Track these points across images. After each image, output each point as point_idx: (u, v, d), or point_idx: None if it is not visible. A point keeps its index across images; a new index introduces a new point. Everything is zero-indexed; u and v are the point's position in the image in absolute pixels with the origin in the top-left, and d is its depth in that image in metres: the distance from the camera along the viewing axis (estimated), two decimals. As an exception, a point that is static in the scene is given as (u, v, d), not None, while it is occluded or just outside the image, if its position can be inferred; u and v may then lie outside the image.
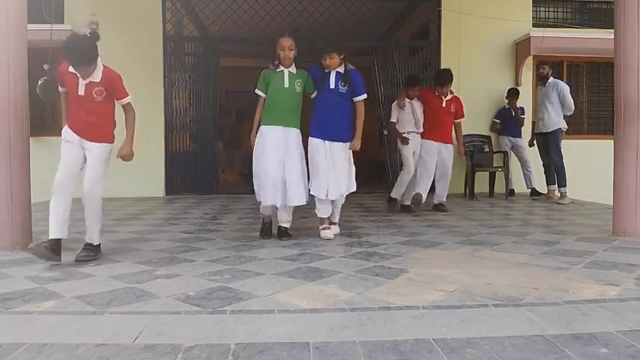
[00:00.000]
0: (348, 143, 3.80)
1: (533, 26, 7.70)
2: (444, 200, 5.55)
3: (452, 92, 5.61)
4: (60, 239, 2.98)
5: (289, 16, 7.92)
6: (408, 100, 5.45)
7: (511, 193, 7.20)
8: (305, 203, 3.75)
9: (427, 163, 5.42)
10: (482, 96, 7.64)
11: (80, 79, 3.04)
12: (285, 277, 2.63)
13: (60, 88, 3.23)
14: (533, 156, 7.03)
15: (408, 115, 5.44)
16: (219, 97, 7.82)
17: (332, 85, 3.75)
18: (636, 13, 3.68)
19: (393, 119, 5.54)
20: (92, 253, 3.10)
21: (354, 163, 3.93)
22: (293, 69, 3.74)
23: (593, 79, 8.08)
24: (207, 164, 7.64)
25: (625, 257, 3.08)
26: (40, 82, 3.70)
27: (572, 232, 4.06)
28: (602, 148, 6.66)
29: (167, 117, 7.41)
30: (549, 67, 6.77)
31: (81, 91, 3.05)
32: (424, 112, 5.53)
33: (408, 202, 5.47)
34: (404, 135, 5.43)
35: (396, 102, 5.54)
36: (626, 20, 3.73)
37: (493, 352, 1.63)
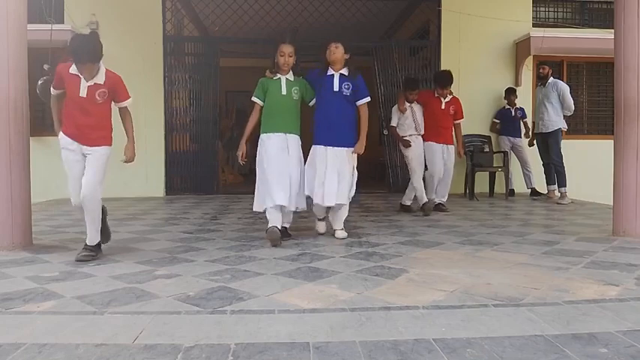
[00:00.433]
0: (351, 149, 3.76)
1: (533, 26, 7.70)
2: (444, 200, 5.55)
3: (451, 93, 5.61)
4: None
5: (289, 16, 7.92)
6: (407, 103, 5.44)
7: (511, 193, 7.20)
8: (300, 209, 3.77)
9: (434, 165, 5.41)
10: (482, 96, 7.65)
11: (82, 81, 3.03)
12: (285, 277, 2.63)
13: (53, 90, 3.20)
14: (533, 156, 7.03)
15: (408, 119, 5.42)
16: (219, 97, 7.82)
17: (336, 88, 3.72)
18: (636, 13, 3.68)
19: (394, 123, 5.51)
20: (92, 252, 3.10)
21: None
22: (290, 76, 3.75)
23: (593, 79, 8.08)
24: (207, 164, 7.64)
25: (625, 257, 3.08)
26: (40, 82, 3.71)
27: (573, 232, 4.06)
28: (602, 148, 6.67)
29: (167, 117, 7.41)
30: (549, 67, 6.77)
31: (82, 93, 3.04)
32: (425, 114, 5.52)
33: (409, 203, 5.47)
34: (405, 138, 5.41)
35: (396, 106, 5.53)
36: (626, 20, 3.73)
37: (493, 352, 1.63)
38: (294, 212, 3.80)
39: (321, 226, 3.96)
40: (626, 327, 1.85)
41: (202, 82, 7.62)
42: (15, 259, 3.09)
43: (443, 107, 5.48)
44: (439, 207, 5.48)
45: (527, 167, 7.20)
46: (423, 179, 5.45)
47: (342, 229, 3.85)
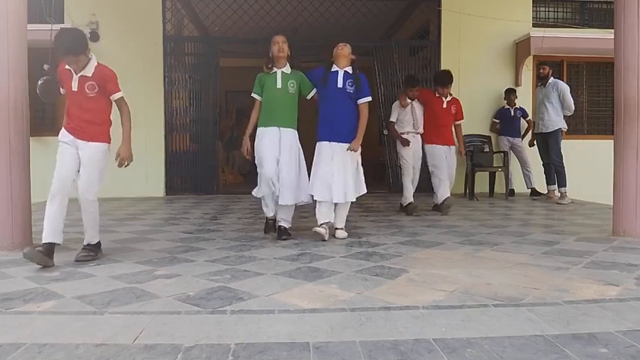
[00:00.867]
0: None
1: (533, 26, 7.70)
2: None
3: (451, 94, 5.60)
4: (54, 244, 2.97)
5: (289, 16, 7.92)
6: (409, 100, 5.44)
7: (511, 193, 7.20)
8: (297, 203, 3.77)
9: (439, 167, 5.38)
10: (482, 96, 7.65)
11: (74, 75, 3.05)
12: (285, 277, 2.63)
13: (62, 90, 3.24)
14: (533, 156, 7.03)
15: (408, 116, 5.42)
16: (219, 97, 7.82)
17: (340, 84, 3.75)
18: (636, 13, 3.68)
19: (392, 119, 5.51)
20: (92, 252, 3.10)
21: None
22: (287, 69, 3.76)
23: (593, 79, 8.08)
24: (207, 164, 7.64)
25: (625, 257, 3.08)
26: (40, 82, 3.70)
27: (573, 232, 4.06)
28: (602, 148, 6.67)
29: (167, 117, 7.41)
30: (549, 67, 6.77)
31: (74, 86, 3.06)
32: (426, 114, 5.51)
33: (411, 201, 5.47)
34: (402, 134, 5.40)
35: (397, 102, 5.53)
36: (626, 20, 3.73)
37: (493, 352, 1.63)
38: (300, 206, 3.82)
39: (325, 232, 3.70)
40: (626, 327, 1.85)
41: (202, 82, 7.61)
42: (15, 259, 3.09)
43: (444, 106, 5.47)
44: (440, 207, 5.46)
45: (527, 167, 7.20)
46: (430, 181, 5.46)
47: (343, 229, 3.86)
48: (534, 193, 7.11)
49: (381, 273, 2.69)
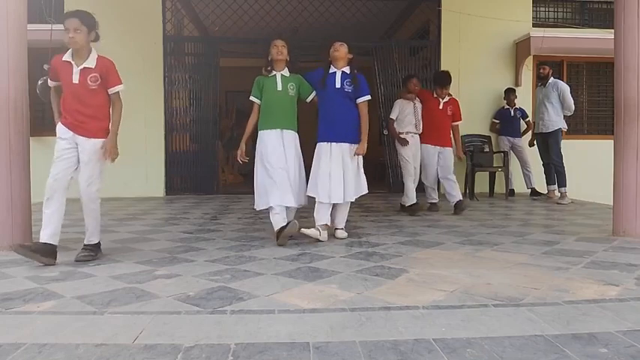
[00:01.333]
0: (355, 145, 3.77)
1: (533, 26, 7.70)
2: (461, 198, 5.39)
3: (450, 94, 5.60)
4: (53, 245, 2.96)
5: (289, 16, 7.92)
6: (412, 95, 5.43)
7: (511, 193, 7.20)
8: (300, 205, 3.76)
9: (427, 168, 5.43)
10: (482, 96, 7.65)
11: (74, 66, 3.02)
12: (285, 277, 2.63)
13: (50, 82, 3.22)
14: (533, 156, 7.03)
15: (409, 115, 5.39)
16: (219, 97, 7.82)
17: (338, 85, 3.75)
18: (636, 13, 3.68)
19: (393, 116, 5.45)
20: (92, 252, 3.09)
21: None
22: (286, 72, 3.76)
23: (593, 79, 8.08)
24: (207, 164, 7.64)
25: (625, 257, 3.08)
26: (40, 82, 3.70)
27: (573, 232, 4.06)
28: (602, 148, 6.67)
29: (167, 117, 7.41)
30: (549, 67, 6.77)
31: (75, 79, 3.02)
32: (423, 113, 5.50)
33: (409, 202, 5.46)
34: (402, 135, 5.40)
35: (399, 100, 5.50)
36: (626, 20, 3.73)
37: (493, 352, 1.63)
38: (300, 207, 3.79)
39: (323, 234, 3.69)
40: (626, 327, 1.85)
41: (202, 82, 7.62)
42: (15, 259, 3.09)
43: (441, 107, 5.46)
44: (458, 205, 5.36)
45: (527, 167, 7.20)
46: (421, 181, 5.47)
47: (343, 229, 3.86)
48: (534, 193, 7.11)
49: (381, 273, 2.69)
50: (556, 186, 6.55)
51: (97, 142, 3.07)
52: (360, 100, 3.80)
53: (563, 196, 6.38)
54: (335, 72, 3.78)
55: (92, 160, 3.05)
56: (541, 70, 6.71)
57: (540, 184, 6.98)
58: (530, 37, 7.33)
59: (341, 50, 3.75)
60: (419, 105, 5.46)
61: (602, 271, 2.73)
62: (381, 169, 8.97)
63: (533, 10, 7.87)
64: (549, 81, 6.56)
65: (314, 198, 3.75)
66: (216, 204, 6.36)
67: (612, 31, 3.89)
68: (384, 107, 7.65)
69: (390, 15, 8.83)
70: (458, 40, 7.63)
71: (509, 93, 7.38)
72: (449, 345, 1.68)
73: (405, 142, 5.33)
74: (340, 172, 3.70)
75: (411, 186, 5.32)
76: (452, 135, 5.63)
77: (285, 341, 1.72)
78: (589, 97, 8.06)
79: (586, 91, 8.04)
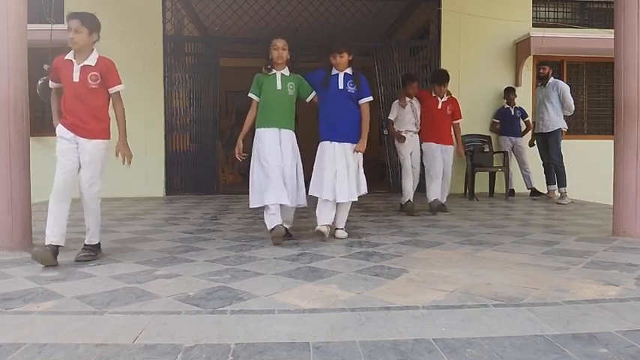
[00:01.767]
0: (355, 145, 3.79)
1: (533, 26, 7.70)
2: (445, 201, 5.52)
3: (449, 93, 5.59)
4: (57, 246, 2.96)
5: (289, 16, 7.92)
6: (408, 98, 5.44)
7: (511, 193, 7.20)
8: (299, 205, 3.76)
9: (433, 166, 5.36)
10: (482, 96, 7.65)
11: (75, 65, 3.02)
12: (285, 277, 2.63)
13: (51, 84, 3.22)
14: (533, 156, 7.03)
15: (409, 115, 5.42)
16: (219, 97, 7.82)
17: (341, 86, 3.75)
18: (636, 13, 3.68)
19: (391, 117, 5.51)
20: (92, 253, 3.09)
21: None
22: (286, 71, 3.76)
23: (593, 79, 8.08)
24: (207, 164, 7.64)
25: (625, 257, 3.08)
26: (40, 82, 3.70)
27: (572, 232, 4.06)
28: (602, 148, 6.67)
29: (167, 117, 7.41)
30: (549, 67, 6.77)
31: (75, 77, 3.02)
32: (422, 113, 5.51)
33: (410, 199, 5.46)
34: (402, 133, 5.41)
35: (397, 101, 5.54)
36: (626, 20, 3.73)
37: (493, 352, 1.63)
38: (300, 207, 3.79)
39: (327, 231, 3.72)
40: (626, 327, 1.85)
41: (202, 82, 7.62)
42: (15, 259, 3.09)
43: (439, 107, 5.45)
44: (440, 208, 5.46)
45: (525, 168, 7.20)
46: (423, 179, 5.46)
47: (343, 229, 3.86)
48: (534, 193, 7.11)
49: (381, 273, 2.69)
50: (556, 186, 6.55)
51: (98, 143, 3.07)
52: (362, 101, 3.80)
53: (563, 196, 6.38)
54: (337, 74, 3.78)
55: (94, 160, 3.05)
56: (541, 70, 6.71)
57: (540, 184, 6.98)
58: (530, 37, 7.34)
59: (341, 62, 3.74)
60: (417, 104, 5.47)
61: (602, 271, 2.73)
62: (381, 169, 8.97)
63: (533, 10, 7.87)
64: (549, 81, 6.56)
65: (314, 198, 3.75)
66: (216, 204, 6.36)
67: (612, 31, 3.89)
68: (384, 107, 7.65)
69: (390, 15, 8.83)
70: (458, 40, 7.63)
71: (509, 92, 7.39)
72: (449, 345, 1.68)
73: (402, 139, 5.35)
74: (344, 172, 3.71)
75: (407, 185, 5.34)
76: (453, 133, 5.63)
77: (285, 341, 1.72)
78: (589, 97, 8.06)
79: (586, 91, 8.04)
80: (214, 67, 7.63)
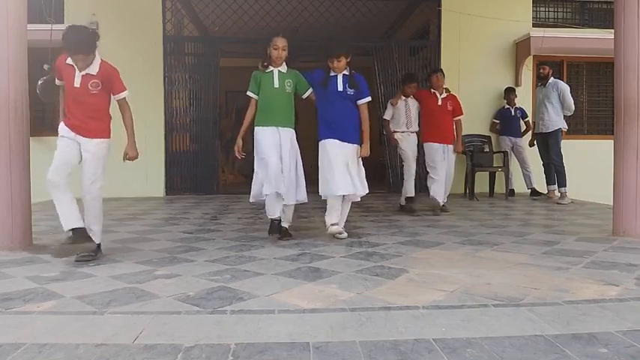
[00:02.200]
0: (356, 146, 3.79)
1: (533, 26, 7.70)
2: (445, 201, 5.51)
3: (448, 90, 5.58)
4: (79, 228, 2.99)
5: (289, 16, 7.92)
6: (403, 98, 5.44)
7: (511, 193, 7.20)
8: (298, 202, 3.76)
9: (436, 167, 5.34)
10: (482, 96, 7.65)
11: (77, 71, 3.04)
12: (285, 277, 2.63)
13: (57, 82, 3.23)
14: (534, 156, 7.03)
15: (402, 116, 5.42)
16: (219, 97, 7.82)
17: (340, 88, 3.75)
18: (636, 13, 3.68)
19: (387, 117, 5.53)
20: (92, 253, 3.09)
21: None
22: (283, 68, 3.76)
23: (593, 79, 8.08)
24: (207, 164, 7.64)
25: (625, 257, 3.08)
26: (40, 82, 3.70)
27: (573, 232, 4.06)
28: (602, 148, 6.67)
29: (167, 117, 7.42)
30: (549, 67, 6.77)
31: (77, 83, 3.05)
32: (422, 113, 5.51)
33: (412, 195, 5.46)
34: (397, 133, 5.41)
35: (390, 101, 5.56)
36: (626, 20, 3.73)
37: (493, 352, 1.63)
38: (299, 206, 3.80)
39: (337, 229, 3.75)
40: (626, 327, 1.85)
41: (202, 82, 7.62)
42: (15, 259, 3.09)
43: (440, 103, 5.43)
44: (441, 208, 5.44)
45: (526, 167, 7.20)
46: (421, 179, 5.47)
47: (343, 229, 3.86)
48: (534, 193, 7.10)
49: (381, 273, 2.69)
50: (556, 186, 6.55)
51: (100, 142, 3.10)
52: (361, 102, 3.80)
53: (563, 196, 6.38)
54: (336, 75, 3.78)
55: (95, 159, 3.08)
56: (541, 70, 6.71)
57: (540, 184, 6.98)
58: (530, 37, 7.34)
59: (339, 66, 3.74)
60: (412, 104, 5.45)
61: (602, 271, 2.73)
62: (381, 169, 8.97)
63: (533, 10, 7.87)
64: (549, 81, 6.56)
65: (314, 197, 3.75)
66: (216, 204, 6.36)
67: (612, 31, 3.89)
68: (383, 107, 7.65)
69: (390, 15, 8.83)
70: (458, 40, 7.63)
71: (510, 92, 7.39)
72: (449, 345, 1.68)
73: (393, 142, 5.40)
74: (346, 169, 3.72)
75: (410, 183, 5.35)
76: (454, 130, 5.61)
77: (285, 341, 1.72)
78: (589, 97, 8.06)
79: (586, 91, 8.04)
80: (214, 67, 7.63)
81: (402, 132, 5.42)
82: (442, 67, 7.19)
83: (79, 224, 3.00)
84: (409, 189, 5.36)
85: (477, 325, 1.88)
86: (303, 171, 3.79)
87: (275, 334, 1.78)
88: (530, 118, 7.49)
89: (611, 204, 3.97)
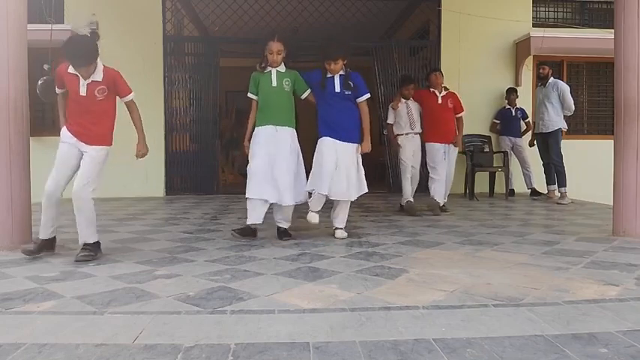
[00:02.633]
0: (356, 145, 3.79)
1: (533, 26, 7.70)
2: (445, 201, 5.51)
3: (447, 89, 5.58)
4: (48, 239, 3.15)
5: (289, 16, 7.92)
6: (403, 100, 5.44)
7: (511, 193, 7.20)
8: (299, 202, 3.76)
9: (437, 167, 5.33)
10: (482, 96, 7.65)
11: (81, 79, 3.04)
12: (285, 277, 2.63)
13: (57, 90, 3.24)
14: (534, 156, 7.03)
15: (404, 117, 5.42)
16: (219, 97, 7.82)
17: (337, 89, 3.75)
18: (636, 13, 3.68)
19: (390, 121, 5.53)
20: (92, 252, 3.09)
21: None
22: (282, 68, 3.77)
23: (593, 79, 8.08)
24: (207, 164, 7.64)
25: (625, 257, 3.08)
26: (40, 82, 3.71)
27: (573, 232, 4.06)
28: (602, 148, 6.67)
29: (167, 117, 7.41)
30: (549, 67, 6.77)
31: (82, 92, 3.05)
32: (423, 113, 5.51)
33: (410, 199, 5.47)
34: (401, 136, 5.41)
35: (391, 104, 5.56)
36: (626, 20, 3.73)
37: (493, 352, 1.63)
38: (299, 206, 3.79)
39: (315, 217, 3.82)
40: (626, 327, 1.85)
41: (202, 82, 7.62)
42: (15, 259, 3.09)
43: (440, 102, 5.42)
44: (440, 208, 5.45)
45: (527, 167, 7.21)
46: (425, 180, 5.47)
47: (343, 230, 3.86)
48: (534, 193, 7.11)
49: (381, 273, 2.69)
50: (556, 186, 6.56)
51: (100, 149, 3.13)
52: (360, 99, 3.81)
53: (563, 196, 6.38)
54: (333, 76, 3.78)
55: (91, 163, 3.09)
56: (541, 70, 6.71)
57: (540, 184, 6.98)
58: (530, 37, 7.34)
59: (336, 68, 3.74)
60: (413, 106, 5.45)
61: (602, 271, 2.73)
62: (381, 169, 8.97)
63: (533, 10, 7.88)
64: (549, 81, 6.56)
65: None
66: (216, 204, 6.36)
67: (612, 31, 3.89)
68: (384, 107, 7.65)
69: (390, 15, 8.83)
70: (458, 40, 7.63)
71: (511, 93, 7.39)
72: (449, 345, 1.68)
73: (396, 147, 5.38)
74: (344, 170, 3.72)
75: (406, 187, 5.35)
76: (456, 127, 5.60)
77: (285, 341, 1.72)
78: (589, 97, 8.06)
79: (586, 91, 8.04)
80: (214, 67, 7.62)
81: (407, 134, 5.41)
82: (442, 67, 7.23)
83: (51, 236, 3.19)
84: (406, 193, 5.35)
85: (477, 325, 1.88)
86: (304, 172, 3.78)
87: (275, 334, 1.78)
88: (530, 119, 7.49)
89: (611, 204, 3.97)
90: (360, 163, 3.87)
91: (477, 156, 7.06)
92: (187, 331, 1.82)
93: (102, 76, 3.08)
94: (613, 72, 3.93)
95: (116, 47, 6.76)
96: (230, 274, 2.69)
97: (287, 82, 3.74)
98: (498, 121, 7.56)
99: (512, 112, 7.38)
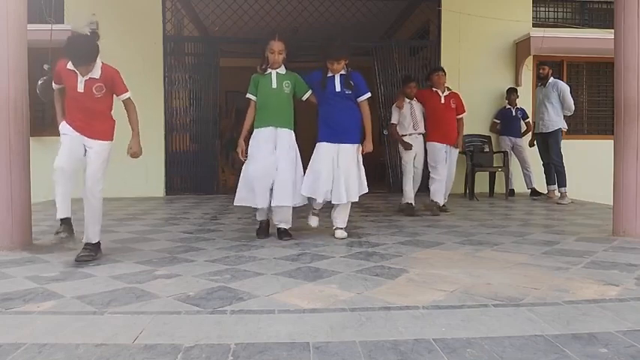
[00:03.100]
0: (357, 145, 3.79)
1: (533, 26, 7.70)
2: (446, 201, 5.51)
3: (449, 89, 5.58)
4: (67, 217, 3.10)
5: (289, 16, 7.93)
6: (407, 100, 5.44)
7: (511, 193, 7.20)
8: (296, 204, 3.76)
9: (437, 167, 5.32)
10: (482, 96, 7.65)
11: (79, 76, 3.05)
12: (285, 277, 2.63)
13: (54, 85, 3.24)
14: (534, 156, 7.03)
15: (407, 117, 5.42)
16: (219, 97, 7.83)
17: (338, 89, 3.75)
18: (636, 13, 3.68)
19: (394, 121, 5.51)
20: (92, 252, 3.09)
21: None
22: (282, 69, 3.77)
23: (593, 79, 8.08)
24: (207, 164, 7.65)
25: (625, 257, 3.08)
26: (40, 82, 3.71)
27: (573, 232, 4.06)
28: (602, 148, 6.67)
29: (167, 117, 7.42)
30: (549, 67, 6.77)
31: (80, 88, 3.06)
32: (426, 113, 5.50)
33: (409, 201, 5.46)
34: (404, 137, 5.40)
35: (395, 104, 5.55)
36: (626, 20, 3.73)
37: (493, 352, 1.63)
38: (299, 207, 3.81)
39: (314, 221, 3.95)
40: (626, 327, 1.85)
41: (202, 82, 7.62)
42: (15, 259, 3.09)
43: (443, 101, 5.42)
44: (440, 208, 5.45)
45: (527, 167, 7.21)
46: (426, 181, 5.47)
47: (343, 230, 3.86)
48: (534, 193, 7.11)
49: (381, 273, 2.69)
50: (556, 186, 6.55)
51: (103, 144, 3.12)
52: (360, 99, 3.81)
53: (563, 196, 6.38)
54: (333, 76, 3.78)
55: (98, 159, 3.09)
56: (541, 70, 6.71)
57: (540, 184, 6.98)
58: (530, 37, 7.34)
59: (338, 68, 3.74)
60: (416, 106, 5.45)
61: (602, 271, 2.73)
62: (381, 169, 8.97)
63: (533, 10, 7.88)
64: (549, 81, 6.56)
65: (313, 200, 3.77)
66: (216, 204, 6.36)
67: (612, 31, 3.89)
68: (384, 107, 7.65)
69: (390, 15, 8.83)
70: (458, 40, 7.63)
71: (511, 93, 7.39)
72: (449, 345, 1.68)
73: (408, 146, 5.33)
74: (343, 173, 3.71)
75: (408, 189, 5.34)
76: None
77: (285, 341, 1.72)
78: (589, 97, 8.06)
79: (586, 91, 8.04)
80: (214, 67, 7.63)
81: (410, 134, 5.40)
82: (442, 67, 7.21)
83: (68, 214, 3.12)
84: (406, 195, 5.35)
85: (477, 325, 1.88)
86: (302, 173, 3.78)
87: (275, 334, 1.78)
88: (530, 119, 7.49)
89: (611, 204, 3.97)
90: (361, 162, 3.87)
91: (477, 156, 7.06)
92: (187, 331, 1.82)
93: (100, 73, 3.09)
94: (613, 72, 3.93)
95: (116, 47, 6.76)
96: (230, 274, 2.69)
97: (287, 84, 3.74)
98: (498, 121, 7.56)
99: (512, 112, 7.38)
